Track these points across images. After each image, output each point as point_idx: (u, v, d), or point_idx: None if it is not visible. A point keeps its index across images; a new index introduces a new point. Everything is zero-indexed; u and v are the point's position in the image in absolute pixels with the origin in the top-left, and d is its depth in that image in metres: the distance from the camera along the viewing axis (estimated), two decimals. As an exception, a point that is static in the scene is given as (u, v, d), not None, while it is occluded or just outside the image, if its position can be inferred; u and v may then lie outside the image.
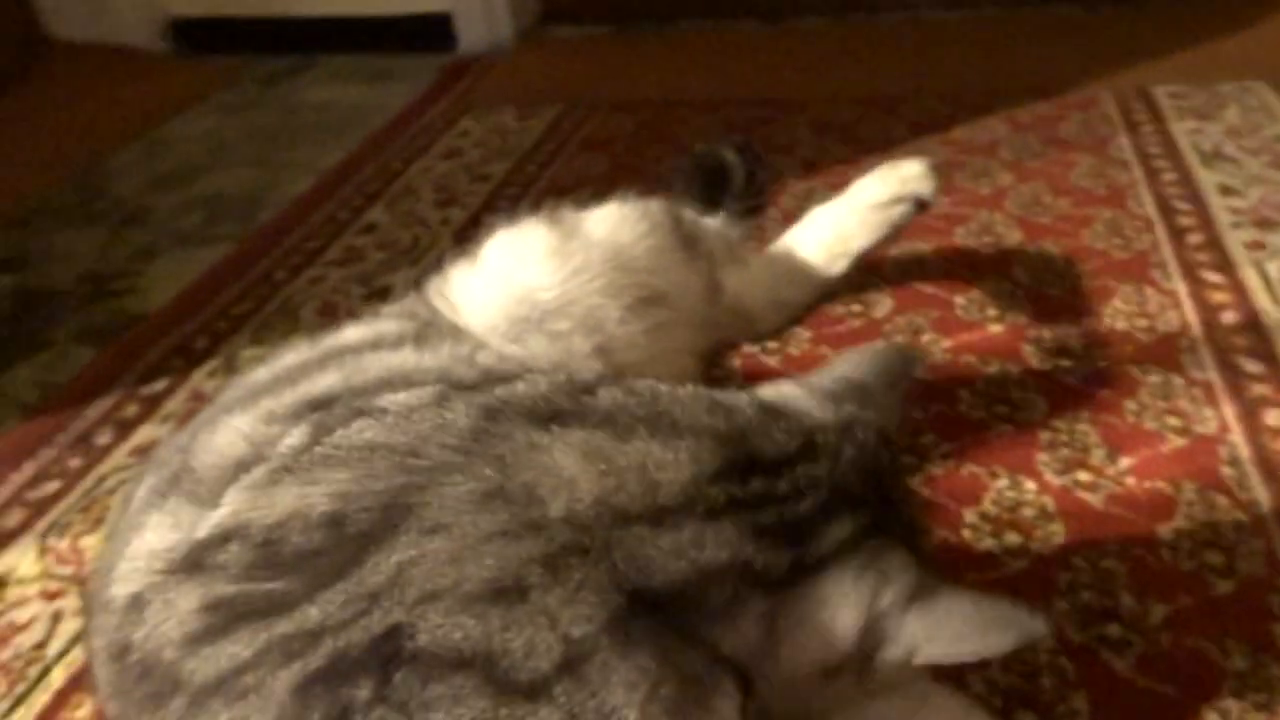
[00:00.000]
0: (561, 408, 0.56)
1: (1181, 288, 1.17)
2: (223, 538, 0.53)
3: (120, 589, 0.57)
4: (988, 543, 0.87)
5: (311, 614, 0.50)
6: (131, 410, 1.17)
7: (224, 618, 0.52)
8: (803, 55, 2.06)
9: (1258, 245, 1.24)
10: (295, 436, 0.57)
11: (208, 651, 0.52)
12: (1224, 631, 0.77)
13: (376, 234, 1.51)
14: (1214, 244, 1.25)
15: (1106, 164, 1.47)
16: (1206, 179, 1.40)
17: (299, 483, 0.54)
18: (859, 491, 0.57)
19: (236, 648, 0.51)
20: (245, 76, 2.28)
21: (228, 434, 0.61)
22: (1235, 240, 1.25)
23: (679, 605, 0.51)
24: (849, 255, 0.97)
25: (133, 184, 1.81)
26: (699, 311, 0.88)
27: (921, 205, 0.98)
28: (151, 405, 1.18)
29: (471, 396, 0.57)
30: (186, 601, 0.53)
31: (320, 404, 0.62)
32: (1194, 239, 1.26)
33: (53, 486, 1.06)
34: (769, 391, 0.63)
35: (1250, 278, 1.17)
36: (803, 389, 0.64)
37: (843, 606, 0.53)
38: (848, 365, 0.66)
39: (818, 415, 0.61)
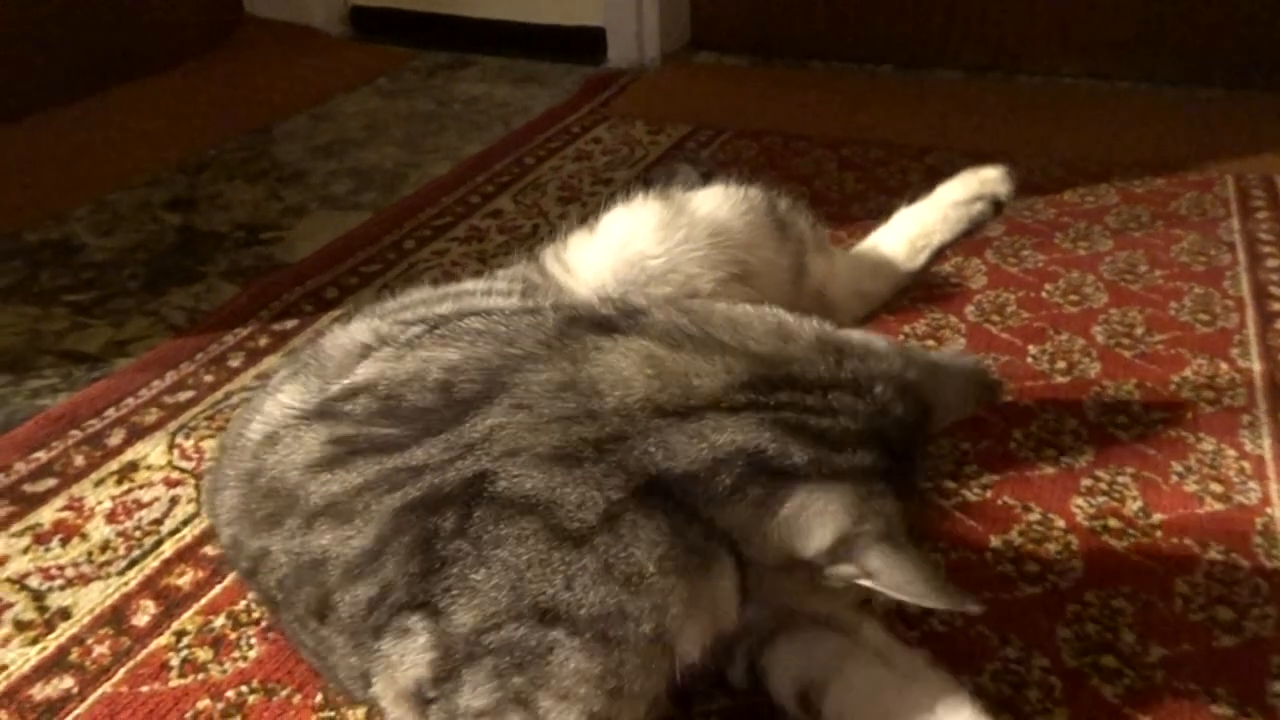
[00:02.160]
0: (619, 325, 0.67)
1: (1257, 367, 1.19)
2: (352, 392, 0.67)
3: (255, 431, 0.70)
4: (1007, 567, 0.92)
5: (417, 454, 0.62)
6: (263, 341, 1.32)
7: (345, 450, 0.64)
8: (933, 106, 2.11)
9: (1347, 339, 1.24)
10: (417, 329, 0.71)
11: (326, 477, 0.64)
12: (1217, 681, 0.80)
13: (500, 219, 1.64)
14: (1302, 332, 1.26)
15: (1211, 244, 1.48)
16: (1310, 270, 1.40)
17: (418, 357, 0.67)
18: (892, 444, 0.65)
19: (352, 475, 0.63)
20: (410, 66, 2.46)
21: (360, 327, 0.75)
22: (1324, 331, 1.26)
23: (691, 487, 0.61)
24: (930, 249, 1.04)
25: (295, 149, 1.99)
26: (784, 291, 0.96)
27: (998, 206, 1.04)
28: (280, 339, 1.32)
29: (558, 309, 0.70)
30: (315, 436, 0.66)
31: (438, 322, 0.74)
32: (1282, 324, 1.28)
33: (186, 395, 1.21)
34: (857, 335, 0.71)
35: (1331, 368, 1.19)
36: (895, 347, 0.71)
37: (828, 519, 0.62)
38: (946, 357, 0.74)
39: (896, 368, 0.68)
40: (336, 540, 0.63)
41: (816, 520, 0.62)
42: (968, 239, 1.05)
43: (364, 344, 0.72)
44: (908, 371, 0.68)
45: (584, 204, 1.67)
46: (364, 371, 0.68)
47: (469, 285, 0.88)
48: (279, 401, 0.71)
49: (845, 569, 0.63)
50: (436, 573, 0.61)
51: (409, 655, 0.62)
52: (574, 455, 0.60)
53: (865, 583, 0.63)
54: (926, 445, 0.70)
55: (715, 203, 0.92)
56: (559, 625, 0.59)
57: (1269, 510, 0.97)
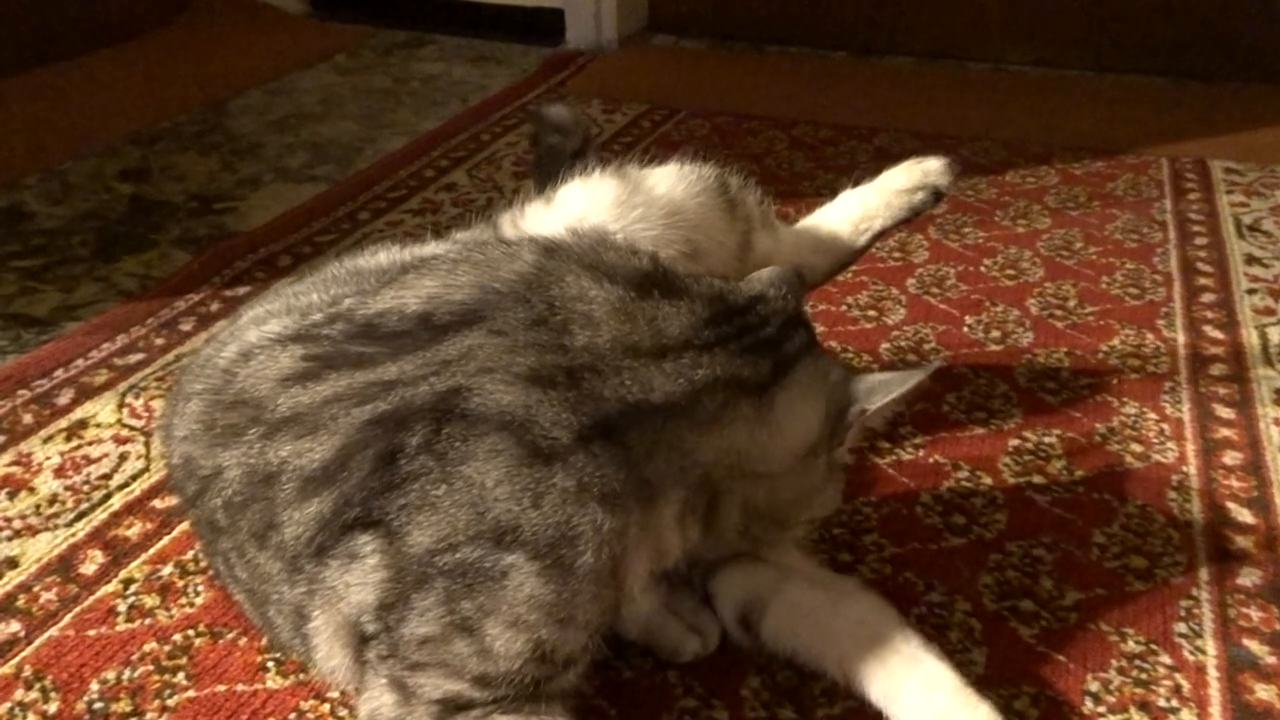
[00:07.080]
0: (613, 265, 0.70)
1: (1181, 338, 1.24)
2: (330, 320, 0.69)
3: (229, 353, 0.71)
4: (934, 520, 0.96)
5: (391, 370, 0.64)
6: (215, 306, 1.33)
7: (319, 366, 0.66)
8: (883, 90, 2.15)
9: (1268, 312, 1.30)
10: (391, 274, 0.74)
11: (296, 390, 0.66)
12: (1127, 622, 0.84)
13: (455, 192, 1.65)
14: (1225, 304, 1.31)
15: (1144, 222, 1.54)
16: (1237, 248, 1.46)
17: (396, 290, 0.69)
18: (800, 322, 0.75)
19: (322, 387, 0.65)
20: (367, 44, 2.46)
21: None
22: (1247, 305, 1.31)
23: (672, 415, 0.65)
24: (871, 232, 1.07)
25: (250, 123, 1.99)
26: (729, 266, 0.99)
27: (939, 196, 1.08)
28: (232, 305, 1.33)
29: (535, 241, 0.72)
30: (290, 355, 0.68)
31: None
32: (1207, 298, 1.33)
33: (137, 357, 1.22)
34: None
35: (1251, 338, 1.24)
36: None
37: (810, 388, 0.71)
38: (764, 279, 0.81)
39: (775, 275, 0.78)
40: (296, 452, 0.64)
41: (803, 402, 0.71)
42: (907, 224, 1.09)
43: (339, 294, 0.75)
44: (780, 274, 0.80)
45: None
46: (344, 303, 0.71)
47: (430, 249, 0.90)
48: (254, 333, 0.73)
49: (852, 412, 0.73)
50: (397, 488, 0.61)
51: (356, 579, 0.63)
52: (549, 378, 0.63)
53: (871, 406, 0.72)
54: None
55: (671, 182, 0.94)
56: (518, 548, 0.60)
57: (1184, 468, 1.02)
